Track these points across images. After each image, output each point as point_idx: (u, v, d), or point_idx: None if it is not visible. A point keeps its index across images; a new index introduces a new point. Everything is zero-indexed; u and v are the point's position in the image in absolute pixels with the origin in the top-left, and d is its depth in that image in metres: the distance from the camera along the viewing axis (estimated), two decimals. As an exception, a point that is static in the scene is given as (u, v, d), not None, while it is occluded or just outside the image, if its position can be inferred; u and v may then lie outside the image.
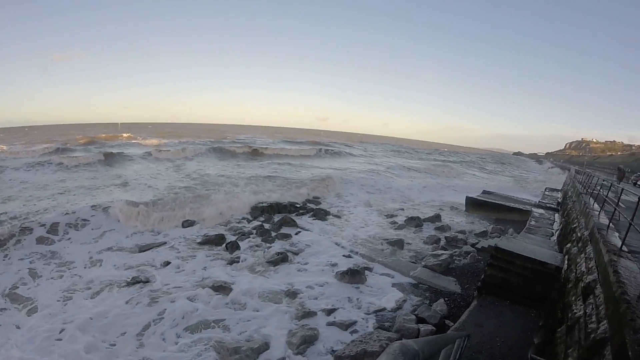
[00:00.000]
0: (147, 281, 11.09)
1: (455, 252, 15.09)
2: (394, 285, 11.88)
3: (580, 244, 9.19)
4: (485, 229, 19.34)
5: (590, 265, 6.87)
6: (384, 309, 10.25)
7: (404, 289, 11.74)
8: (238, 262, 13.03)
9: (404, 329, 8.86)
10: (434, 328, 9.08)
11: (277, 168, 37.84)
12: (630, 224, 6.00)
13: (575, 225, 11.62)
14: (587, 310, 5.45)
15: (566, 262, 10.03)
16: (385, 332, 8.60)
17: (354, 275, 11.63)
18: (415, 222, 19.27)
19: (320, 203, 23.25)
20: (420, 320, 9.40)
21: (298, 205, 21.52)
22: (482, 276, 10.56)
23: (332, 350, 8.21)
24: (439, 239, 16.78)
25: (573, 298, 6.87)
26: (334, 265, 12.95)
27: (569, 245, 11.03)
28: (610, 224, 8.09)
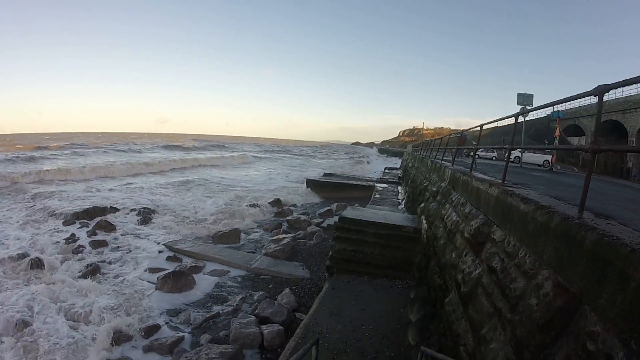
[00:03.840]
0: None
1: (299, 234, 13.46)
2: (229, 282, 9.55)
3: (439, 197, 8.17)
4: (329, 208, 18.30)
5: (466, 210, 5.38)
6: (217, 315, 7.75)
7: (242, 285, 9.45)
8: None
9: (242, 336, 6.55)
10: (281, 327, 6.94)
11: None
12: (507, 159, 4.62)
13: (426, 184, 11.05)
14: (492, 264, 3.64)
15: (424, 221, 9.03)
16: (218, 345, 6.21)
17: (178, 279, 8.79)
18: (255, 208, 16.93)
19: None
20: (263, 320, 7.21)
21: (121, 208, 16.73)
22: (330, 253, 8.78)
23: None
24: (281, 224, 14.94)
25: (453, 255, 5.29)
26: (156, 270, 9.73)
27: (422, 205, 10.23)
28: (472, 167, 7.03)
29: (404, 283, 7.90)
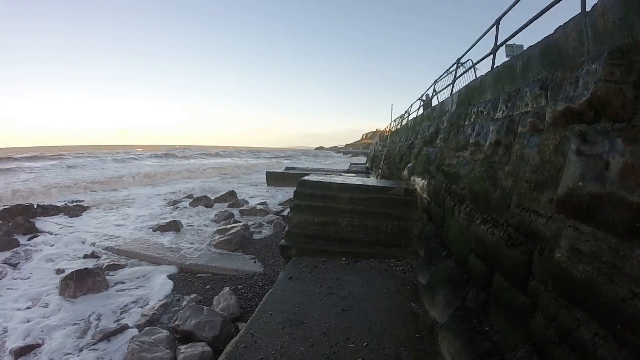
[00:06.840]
0: None
1: (252, 223, 10.45)
2: (156, 283, 6.53)
3: (442, 134, 5.59)
4: (290, 197, 15.24)
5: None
6: (123, 329, 4.79)
7: (173, 287, 6.32)
8: None
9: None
10: (208, 348, 3.98)
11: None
12: None
13: (411, 142, 8.54)
14: None
15: (418, 179, 6.38)
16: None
17: (83, 281, 5.95)
18: (203, 202, 13.49)
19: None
20: (184, 335, 4.28)
21: (52, 206, 13.04)
22: (287, 228, 5.94)
23: None
24: (232, 214, 11.74)
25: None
26: (63, 270, 6.81)
27: (410, 164, 7.64)
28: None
29: (403, 264, 5.10)
